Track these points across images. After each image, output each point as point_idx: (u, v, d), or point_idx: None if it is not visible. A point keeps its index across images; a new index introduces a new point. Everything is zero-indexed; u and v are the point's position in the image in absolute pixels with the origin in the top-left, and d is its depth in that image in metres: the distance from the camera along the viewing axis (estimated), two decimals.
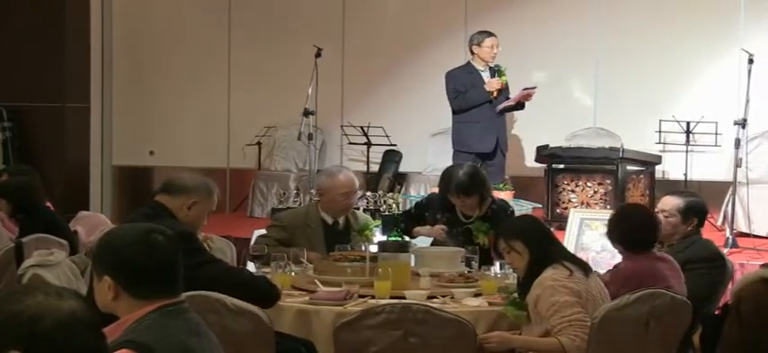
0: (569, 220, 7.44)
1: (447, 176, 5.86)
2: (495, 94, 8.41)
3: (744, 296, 3.99)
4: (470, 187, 5.69)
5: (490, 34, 8.51)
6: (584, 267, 4.35)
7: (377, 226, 5.93)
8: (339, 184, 5.73)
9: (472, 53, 8.57)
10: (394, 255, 4.91)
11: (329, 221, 5.78)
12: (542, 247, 4.33)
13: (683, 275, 4.70)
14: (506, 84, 8.50)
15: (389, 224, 5.90)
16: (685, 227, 5.16)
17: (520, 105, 8.67)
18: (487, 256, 5.33)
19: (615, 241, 4.80)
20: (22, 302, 2.00)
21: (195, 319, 2.69)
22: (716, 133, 8.79)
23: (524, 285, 4.31)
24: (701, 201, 5.33)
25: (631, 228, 4.72)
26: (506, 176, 8.66)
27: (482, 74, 8.51)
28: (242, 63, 10.77)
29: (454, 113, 8.57)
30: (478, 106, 8.42)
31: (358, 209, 6.49)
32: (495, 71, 8.49)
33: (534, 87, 8.60)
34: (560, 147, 8.85)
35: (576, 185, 8.52)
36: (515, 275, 4.70)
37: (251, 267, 5.53)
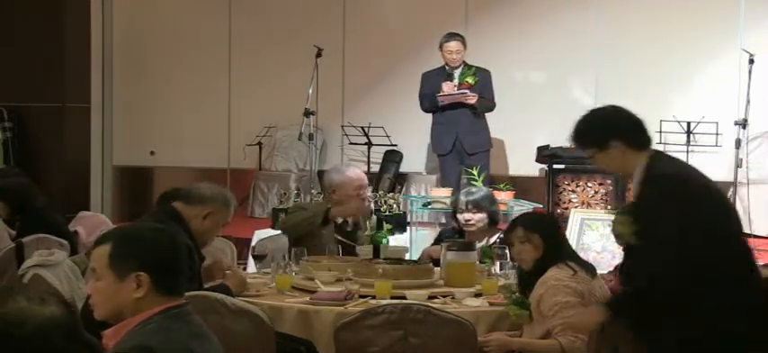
0: (570, 220, 7.44)
1: (461, 193, 5.81)
2: (444, 99, 8.37)
3: None
4: (481, 203, 5.54)
5: (453, 37, 8.47)
6: (589, 269, 4.34)
7: (386, 235, 5.55)
8: (351, 178, 5.70)
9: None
10: (464, 254, 4.86)
11: (338, 220, 5.72)
12: (557, 246, 4.34)
13: None
14: (478, 83, 8.42)
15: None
16: None
17: (468, 105, 8.45)
18: None
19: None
20: (5, 306, 2.05)
21: (198, 321, 2.69)
22: (716, 133, 8.78)
23: (527, 279, 4.30)
24: None
25: None
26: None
27: (451, 75, 8.49)
28: (242, 63, 10.76)
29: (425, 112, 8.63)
30: (442, 109, 8.42)
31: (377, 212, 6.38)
32: (461, 74, 8.42)
33: (464, 93, 8.40)
34: (561, 147, 8.82)
35: (577, 186, 8.51)
36: (516, 276, 4.69)
37: (252, 266, 5.52)
